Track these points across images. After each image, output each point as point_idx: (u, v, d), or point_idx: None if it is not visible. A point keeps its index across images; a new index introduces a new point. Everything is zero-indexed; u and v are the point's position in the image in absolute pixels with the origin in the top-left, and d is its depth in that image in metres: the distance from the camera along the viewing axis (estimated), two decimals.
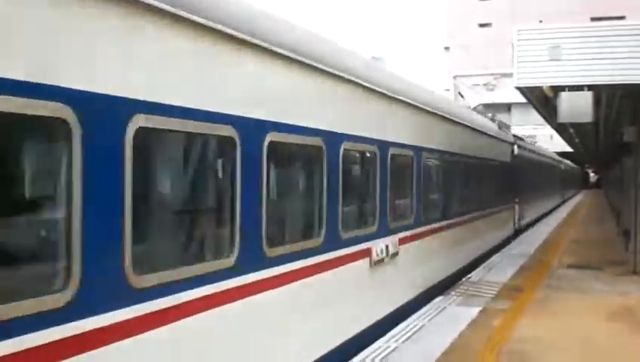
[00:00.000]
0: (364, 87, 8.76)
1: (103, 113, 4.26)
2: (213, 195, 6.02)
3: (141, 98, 4.59)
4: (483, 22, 70.35)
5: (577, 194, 70.97)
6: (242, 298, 5.86)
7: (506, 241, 21.19)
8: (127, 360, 4.49)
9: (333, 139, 7.78)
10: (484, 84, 54.30)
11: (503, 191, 20.83)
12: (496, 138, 19.68)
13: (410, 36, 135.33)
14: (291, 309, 6.82)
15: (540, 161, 33.90)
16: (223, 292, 5.56)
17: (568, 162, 56.56)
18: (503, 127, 22.18)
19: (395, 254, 9.83)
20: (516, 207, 23.47)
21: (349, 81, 8.25)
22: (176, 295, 4.93)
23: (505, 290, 12.58)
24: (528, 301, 11.64)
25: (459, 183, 14.62)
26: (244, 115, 5.86)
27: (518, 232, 23.90)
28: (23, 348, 3.68)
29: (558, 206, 46.27)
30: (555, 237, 23.68)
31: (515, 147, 23.39)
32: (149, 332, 4.65)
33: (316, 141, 7.36)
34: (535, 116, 21.56)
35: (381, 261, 9.25)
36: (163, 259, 5.15)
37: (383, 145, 9.45)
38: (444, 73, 61.11)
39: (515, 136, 24.78)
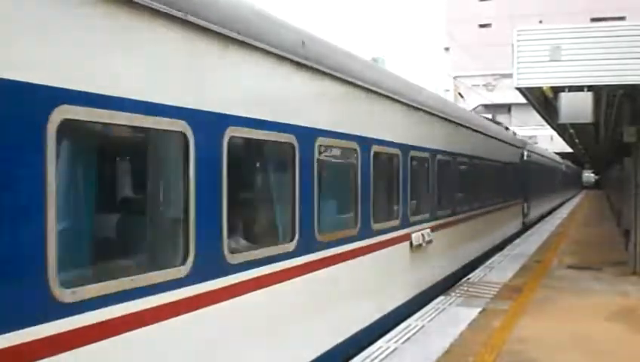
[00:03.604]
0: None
1: None
2: None
3: None
4: (483, 22, 70.33)
5: (578, 194, 70.81)
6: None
7: (517, 233, 23.92)
8: None
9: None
10: (484, 85, 54.30)
11: (514, 189, 23.61)
12: (510, 144, 22.85)
13: (410, 36, 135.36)
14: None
15: (545, 163, 35.64)
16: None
17: (569, 163, 56.43)
18: (514, 133, 26.12)
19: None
20: (524, 204, 25.68)
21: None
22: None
23: (505, 290, 12.58)
24: (528, 301, 11.64)
25: (491, 180, 18.62)
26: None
27: (526, 227, 25.79)
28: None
29: (561, 205, 46.49)
30: (555, 237, 23.67)
31: (525, 151, 26.05)
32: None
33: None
34: (535, 117, 21.55)
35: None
36: None
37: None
38: (444, 74, 61.07)
39: (523, 140, 27.20)
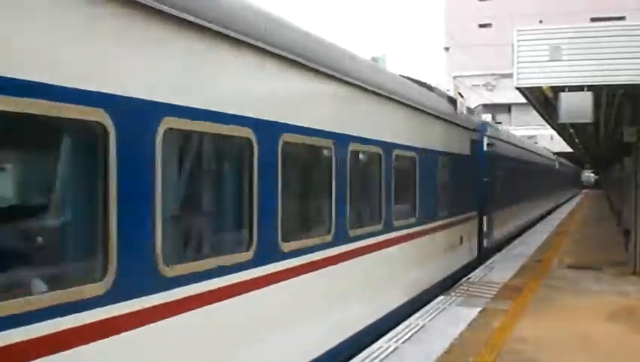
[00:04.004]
0: None
1: None
2: None
3: None
4: (483, 22, 70.35)
5: (577, 195, 70.37)
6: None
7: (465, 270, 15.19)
8: None
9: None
10: (484, 85, 54.33)
11: (462, 195, 15.01)
12: (450, 121, 14.03)
13: (410, 36, 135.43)
14: None
15: (522, 157, 26.78)
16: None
17: (564, 160, 54.53)
18: (460, 104, 15.65)
19: None
20: (483, 218, 17.43)
21: None
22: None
23: (505, 290, 12.58)
24: (528, 301, 11.64)
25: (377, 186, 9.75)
26: None
27: (485, 254, 17.58)
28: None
29: (553, 210, 41.37)
30: (555, 237, 23.69)
31: (484, 137, 17.93)
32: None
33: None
34: (535, 117, 21.54)
35: None
36: None
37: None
38: (443, 73, 61.11)
39: (483, 121, 19.69)
